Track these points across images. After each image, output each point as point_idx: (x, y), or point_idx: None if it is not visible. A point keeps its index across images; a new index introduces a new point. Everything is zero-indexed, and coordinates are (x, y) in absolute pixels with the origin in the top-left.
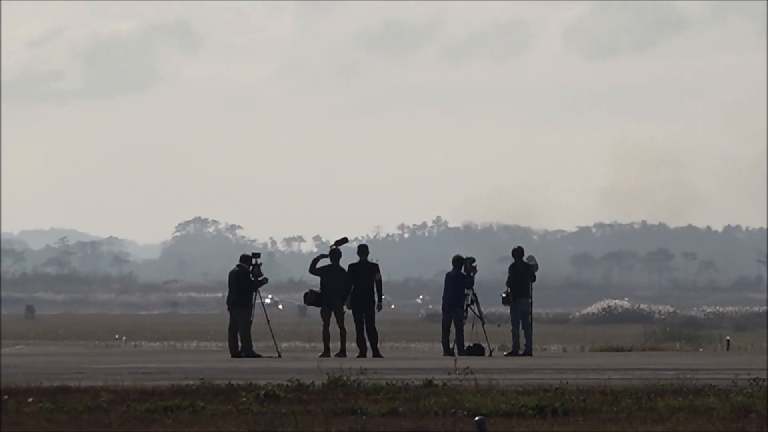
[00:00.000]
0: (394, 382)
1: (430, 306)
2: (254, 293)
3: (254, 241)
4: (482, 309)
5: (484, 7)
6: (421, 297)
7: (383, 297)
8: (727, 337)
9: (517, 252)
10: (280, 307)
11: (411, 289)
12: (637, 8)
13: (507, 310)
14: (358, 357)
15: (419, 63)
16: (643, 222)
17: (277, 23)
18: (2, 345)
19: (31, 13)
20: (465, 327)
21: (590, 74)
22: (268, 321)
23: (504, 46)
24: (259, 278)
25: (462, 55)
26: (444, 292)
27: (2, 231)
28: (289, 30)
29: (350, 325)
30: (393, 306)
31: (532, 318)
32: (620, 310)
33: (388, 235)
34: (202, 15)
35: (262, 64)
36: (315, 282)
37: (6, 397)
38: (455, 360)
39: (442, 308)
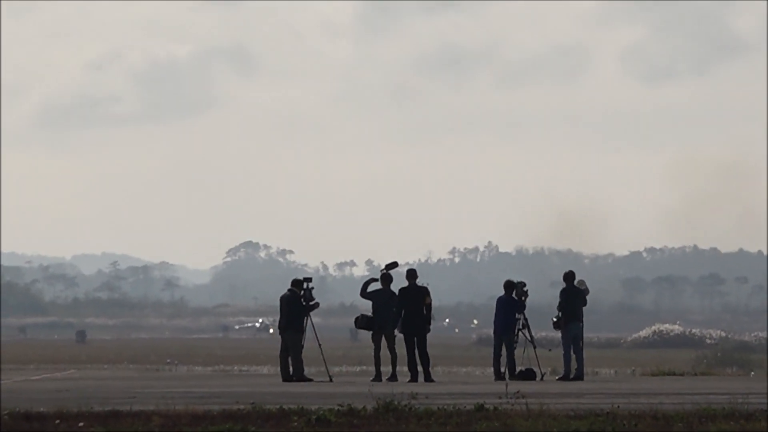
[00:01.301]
0: (445, 406)
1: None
2: (305, 318)
3: (305, 265)
4: (533, 333)
5: (540, 31)
6: (475, 321)
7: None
8: None
9: (568, 276)
10: (271, 331)
11: (462, 313)
12: (694, 32)
13: (558, 334)
14: (409, 381)
15: (475, 87)
16: (695, 246)
17: (334, 47)
18: (54, 369)
19: (88, 37)
20: (516, 351)
21: (647, 98)
22: (319, 345)
23: (560, 70)
24: (311, 303)
25: (518, 79)
26: (495, 317)
27: (54, 256)
28: (345, 54)
29: (401, 349)
30: (447, 320)
31: (583, 342)
32: (671, 334)
33: (439, 260)
34: (258, 39)
35: (318, 87)
36: (366, 306)
37: (58, 421)
38: (506, 384)
39: (494, 333)
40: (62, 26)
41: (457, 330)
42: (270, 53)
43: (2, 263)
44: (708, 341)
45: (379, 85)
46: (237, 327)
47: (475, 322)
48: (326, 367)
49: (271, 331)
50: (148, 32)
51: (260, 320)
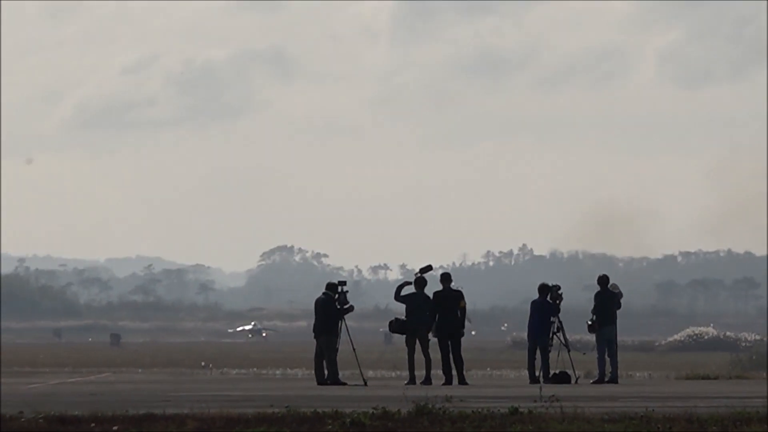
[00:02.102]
0: (479, 409)
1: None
2: (340, 321)
3: (340, 269)
4: (568, 336)
5: (579, 34)
6: (505, 325)
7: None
8: None
9: (603, 280)
10: (264, 335)
11: (496, 317)
12: (731, 35)
13: (593, 337)
14: (443, 384)
15: (513, 90)
16: (729, 250)
17: (372, 51)
18: (89, 373)
19: (127, 41)
20: (551, 354)
21: (684, 101)
22: (354, 349)
23: (598, 74)
24: (345, 306)
25: (556, 83)
26: (530, 320)
27: (89, 259)
28: (383, 58)
29: (435, 353)
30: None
31: (617, 345)
32: (706, 337)
33: (474, 263)
34: (297, 42)
35: (356, 91)
36: (400, 310)
37: (93, 424)
38: (541, 387)
39: (528, 336)
40: (101, 30)
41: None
42: (308, 57)
43: (38, 267)
44: (742, 344)
45: (417, 89)
46: (230, 330)
47: (505, 326)
48: (360, 371)
49: (264, 335)
50: (186, 36)
51: (252, 323)
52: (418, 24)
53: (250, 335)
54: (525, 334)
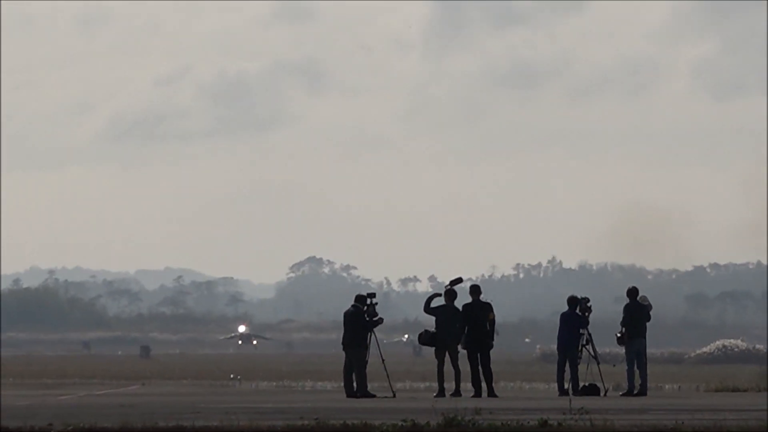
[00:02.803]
0: (509, 422)
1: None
2: (369, 333)
3: (369, 281)
4: (597, 349)
5: (611, 46)
6: (529, 337)
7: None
8: None
9: (632, 292)
10: (254, 342)
11: (525, 329)
12: (764, 47)
13: (622, 350)
14: (473, 397)
15: (545, 103)
16: (758, 262)
17: (404, 63)
18: (118, 385)
19: (159, 52)
20: (580, 367)
21: (717, 113)
22: (383, 361)
23: (630, 85)
24: (374, 318)
25: (588, 95)
26: (559, 332)
27: (117, 270)
28: (415, 69)
29: (465, 365)
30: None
31: (646, 358)
32: (736, 350)
33: (503, 275)
34: (328, 54)
35: (387, 103)
36: (430, 322)
37: None
38: (570, 400)
39: (557, 348)
40: (133, 42)
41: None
42: (340, 69)
43: (67, 278)
44: None
45: (448, 101)
46: (221, 338)
47: (529, 338)
48: (390, 383)
49: (255, 342)
50: (219, 48)
51: (241, 328)
52: (450, 35)
53: (239, 342)
54: (554, 347)
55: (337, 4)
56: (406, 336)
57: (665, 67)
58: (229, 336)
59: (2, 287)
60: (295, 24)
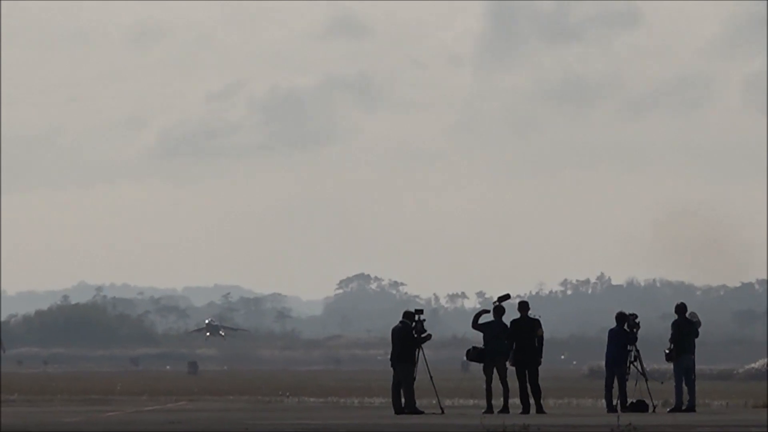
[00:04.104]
0: None
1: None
2: (417, 350)
3: (417, 297)
4: (645, 365)
5: (664, 61)
6: (565, 354)
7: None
8: None
9: (680, 308)
10: (222, 333)
11: (574, 346)
12: None
13: (670, 366)
14: (521, 413)
15: (597, 118)
16: None
17: (455, 77)
18: (166, 401)
19: (212, 68)
20: (628, 383)
21: None
22: (431, 377)
23: (684, 101)
24: (423, 335)
25: (640, 110)
26: (607, 349)
27: (165, 287)
28: (467, 85)
29: (513, 381)
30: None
31: (695, 374)
32: None
33: (551, 292)
34: (381, 70)
35: (439, 118)
36: (478, 338)
37: None
38: (618, 416)
39: (606, 365)
40: (185, 57)
41: (575, 362)
42: (392, 84)
43: (115, 295)
44: None
45: (500, 116)
46: (190, 331)
47: (564, 354)
48: (438, 400)
49: (222, 333)
50: (272, 63)
51: (208, 319)
52: (502, 50)
53: (207, 333)
54: (602, 363)
55: (390, 20)
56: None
57: (718, 82)
58: (196, 329)
59: (51, 303)
60: (349, 39)
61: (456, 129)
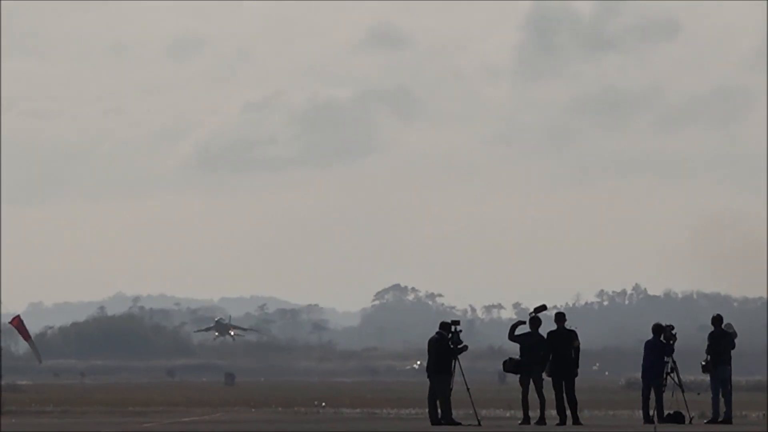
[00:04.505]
0: None
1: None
2: (454, 361)
3: (454, 308)
4: (682, 377)
5: (702, 73)
6: (597, 365)
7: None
8: None
9: (717, 320)
10: (232, 333)
11: (610, 357)
12: None
13: (707, 377)
14: (558, 425)
15: (635, 130)
16: None
17: (494, 90)
18: (203, 412)
19: (250, 78)
20: (665, 395)
21: None
22: (467, 388)
23: (721, 112)
24: (459, 346)
25: (679, 121)
26: (644, 361)
27: (202, 298)
28: (505, 97)
29: (549, 392)
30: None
31: (731, 385)
32: None
33: (587, 303)
34: (419, 82)
35: (477, 131)
36: (514, 349)
37: None
38: (655, 427)
39: (642, 376)
40: (222, 69)
41: (606, 373)
42: (430, 96)
43: (152, 306)
44: None
45: (538, 128)
46: (195, 330)
47: (597, 365)
48: (474, 410)
49: (233, 333)
50: (309, 75)
51: (217, 318)
52: (540, 62)
53: (216, 333)
54: (638, 374)
55: (428, 32)
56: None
57: (755, 94)
58: (204, 328)
59: (87, 315)
60: (387, 51)
61: (494, 141)
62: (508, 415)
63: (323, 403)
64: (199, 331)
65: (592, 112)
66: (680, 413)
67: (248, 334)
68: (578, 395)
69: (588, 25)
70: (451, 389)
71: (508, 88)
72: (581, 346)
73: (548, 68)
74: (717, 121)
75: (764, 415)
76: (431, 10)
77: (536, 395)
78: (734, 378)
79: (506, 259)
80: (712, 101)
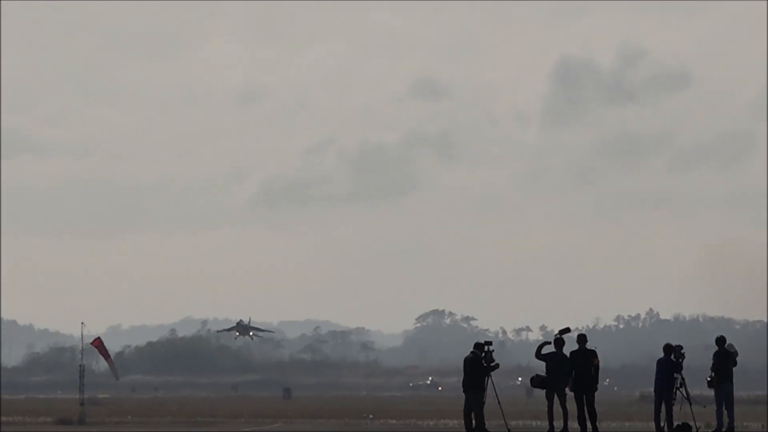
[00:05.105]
0: None
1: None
2: (486, 377)
3: (487, 330)
4: (690, 391)
5: (708, 121)
6: (607, 381)
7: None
8: None
9: (720, 340)
10: (251, 334)
11: (626, 374)
12: None
13: (712, 392)
14: None
15: (650, 170)
16: None
17: (524, 134)
18: (263, 423)
19: (307, 124)
20: (674, 407)
21: None
22: (499, 402)
23: (726, 155)
24: (491, 364)
25: (688, 163)
26: (656, 377)
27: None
28: (534, 140)
29: (572, 405)
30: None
31: (733, 399)
32: None
33: (605, 326)
34: (458, 127)
35: (509, 171)
36: (540, 367)
37: None
38: None
39: (654, 391)
40: (283, 115)
41: (615, 388)
42: (467, 140)
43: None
44: None
45: (563, 168)
46: (217, 331)
47: (607, 381)
48: (505, 421)
49: (252, 334)
50: (361, 121)
51: (239, 320)
52: (565, 109)
53: (237, 333)
54: (651, 389)
55: (466, 83)
56: (430, 379)
57: (756, 138)
58: (227, 329)
59: (160, 336)
60: (429, 100)
61: (523, 179)
62: (534, 425)
63: (371, 415)
64: (221, 331)
65: (612, 154)
66: (688, 424)
67: (265, 335)
68: (597, 408)
69: (608, 77)
70: (484, 403)
71: (537, 133)
72: (600, 364)
73: (573, 115)
74: (722, 162)
75: (764, 425)
76: (468, 63)
77: (560, 408)
78: (736, 392)
79: (534, 286)
80: (718, 145)
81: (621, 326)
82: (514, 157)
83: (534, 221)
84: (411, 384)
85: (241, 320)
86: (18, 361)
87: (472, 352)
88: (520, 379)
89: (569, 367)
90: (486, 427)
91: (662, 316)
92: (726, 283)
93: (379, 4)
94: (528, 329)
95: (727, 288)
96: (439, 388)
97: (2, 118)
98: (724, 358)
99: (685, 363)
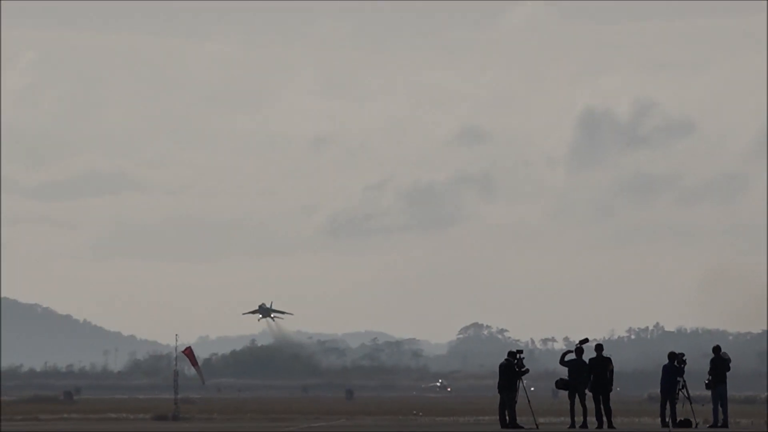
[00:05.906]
0: None
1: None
2: (518, 381)
3: (518, 340)
4: (690, 392)
5: (711, 162)
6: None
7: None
8: None
9: (716, 349)
10: (272, 317)
11: (635, 378)
12: None
13: (709, 393)
14: (596, 428)
15: (660, 205)
16: None
17: (553, 174)
18: (329, 419)
19: (368, 164)
20: (677, 406)
21: None
22: (528, 401)
23: (727, 192)
24: (522, 369)
25: (694, 200)
26: (661, 380)
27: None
28: (561, 179)
29: (591, 404)
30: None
31: (727, 399)
32: None
33: (618, 336)
34: (497, 168)
35: (539, 206)
36: (564, 372)
37: None
38: (669, 430)
39: (660, 392)
40: (349, 158)
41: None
42: (504, 179)
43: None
44: None
45: (586, 204)
46: (243, 313)
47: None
48: (534, 418)
49: (273, 317)
50: (415, 162)
51: (260, 303)
52: (588, 153)
53: (260, 316)
54: (658, 391)
55: (504, 130)
56: (440, 381)
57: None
58: (251, 311)
59: (243, 345)
60: (473, 145)
61: (552, 213)
62: (558, 421)
63: (420, 413)
64: (246, 313)
65: (627, 191)
66: (689, 420)
67: (286, 317)
68: (612, 406)
69: (625, 126)
70: (515, 402)
71: (564, 173)
72: (615, 369)
73: (594, 158)
74: (723, 199)
75: (753, 422)
76: (507, 114)
77: (580, 406)
78: (729, 393)
79: (559, 302)
80: (719, 183)
81: (632, 337)
82: (544, 194)
83: (560, 248)
84: (423, 386)
85: (263, 303)
86: (122, 366)
87: (506, 359)
88: (533, 388)
89: (588, 371)
90: (518, 422)
91: (667, 329)
92: (722, 301)
93: (431, 63)
94: (553, 339)
95: (722, 305)
96: (449, 389)
97: (111, 162)
98: (720, 364)
99: (686, 368)
